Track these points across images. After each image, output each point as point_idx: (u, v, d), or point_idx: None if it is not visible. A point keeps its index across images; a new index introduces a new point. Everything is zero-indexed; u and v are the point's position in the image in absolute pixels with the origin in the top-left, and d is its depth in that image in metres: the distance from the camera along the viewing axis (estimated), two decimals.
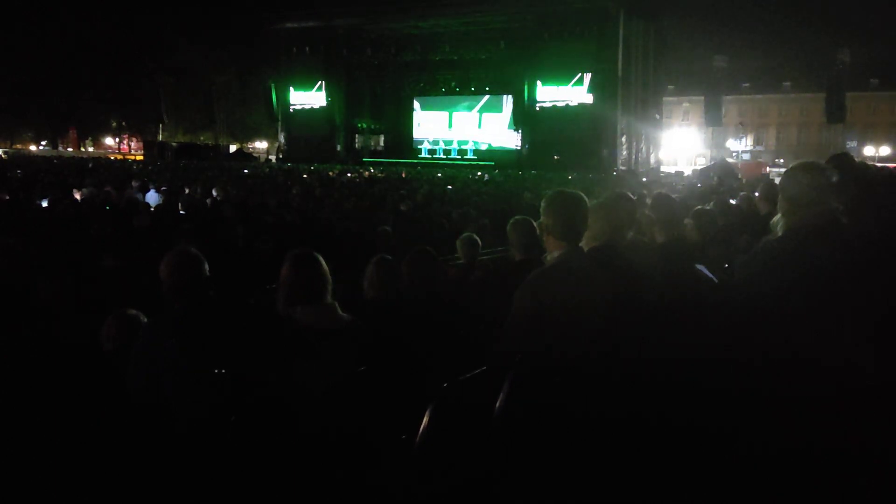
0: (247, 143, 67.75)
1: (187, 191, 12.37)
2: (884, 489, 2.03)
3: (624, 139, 36.94)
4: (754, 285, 2.58)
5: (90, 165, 21.21)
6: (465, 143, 43.53)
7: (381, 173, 24.90)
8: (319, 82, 44.97)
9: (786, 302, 2.34)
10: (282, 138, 48.02)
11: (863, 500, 2.03)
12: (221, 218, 7.84)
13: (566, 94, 37.27)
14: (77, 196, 10.62)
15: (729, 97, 53.49)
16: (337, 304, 3.02)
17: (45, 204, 8.97)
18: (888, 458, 2.02)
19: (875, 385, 2.08)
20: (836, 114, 35.27)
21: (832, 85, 35.46)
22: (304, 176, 20.38)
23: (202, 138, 60.53)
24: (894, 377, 2.07)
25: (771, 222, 2.75)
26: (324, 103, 45.25)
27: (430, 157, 42.68)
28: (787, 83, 69.40)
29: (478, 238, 5.15)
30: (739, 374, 2.27)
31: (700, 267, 3.36)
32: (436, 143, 44.39)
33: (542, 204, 2.73)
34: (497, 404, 2.29)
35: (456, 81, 44.28)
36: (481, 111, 43.94)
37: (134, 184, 13.23)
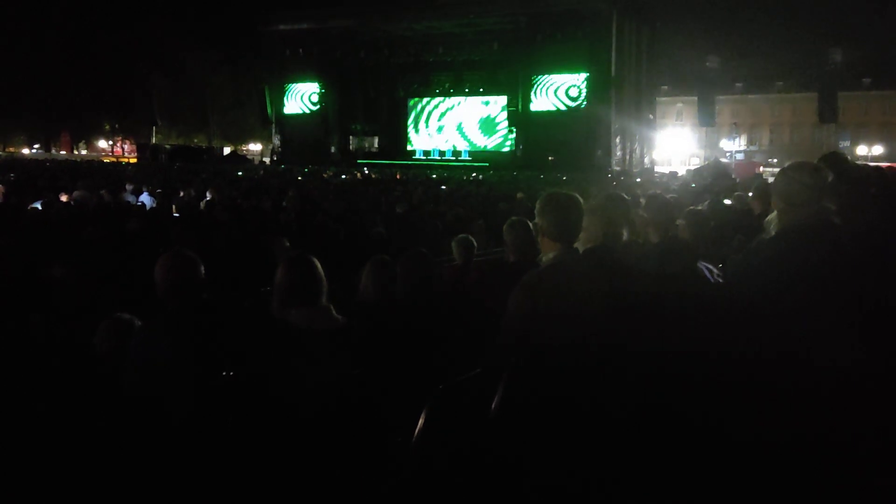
0: (241, 145, 67.64)
1: (181, 193, 12.34)
2: (877, 481, 2.04)
3: (618, 140, 37.01)
4: (748, 284, 2.59)
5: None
6: (460, 143, 43.58)
7: (376, 174, 24.90)
8: (313, 84, 44.97)
9: (778, 300, 2.35)
10: (276, 140, 47.93)
11: (855, 492, 2.04)
12: (215, 220, 7.83)
13: (560, 97, 37.41)
14: (66, 199, 10.55)
15: (722, 97, 53.69)
16: (332, 307, 3.01)
17: (38, 207, 8.93)
18: (881, 451, 2.03)
19: (866, 380, 2.09)
20: (828, 114, 35.42)
21: (824, 85, 35.60)
22: (300, 178, 20.36)
23: (196, 140, 60.42)
24: (885, 372, 2.08)
25: (765, 221, 2.76)
26: (318, 105, 45.23)
27: (424, 158, 42.66)
28: (780, 83, 69.68)
29: (473, 239, 5.15)
30: (734, 372, 2.27)
31: (702, 265, 3.36)
32: (430, 144, 44.48)
33: (537, 205, 2.74)
34: (493, 406, 2.29)
35: (450, 83, 44.28)
36: (475, 112, 44.00)
37: (128, 187, 13.18)
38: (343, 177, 22.24)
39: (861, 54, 54.30)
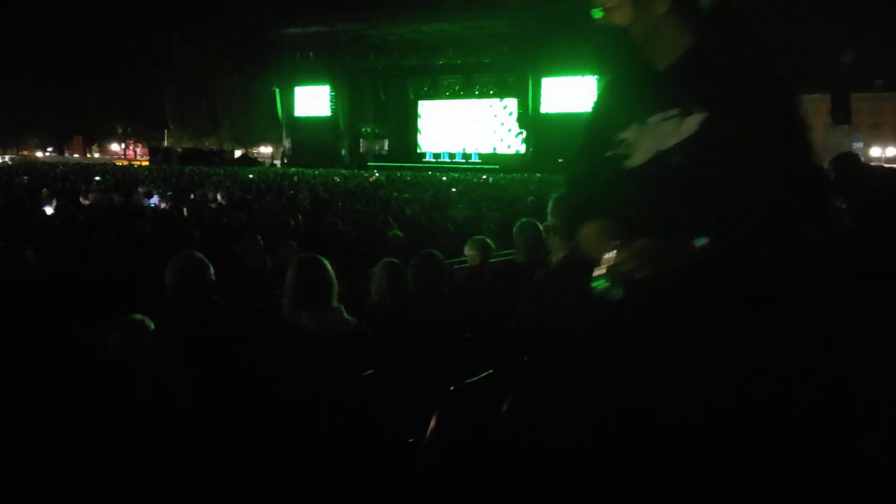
0: (252, 148, 67.90)
1: (193, 196, 12.41)
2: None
3: None
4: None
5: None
6: (470, 146, 43.59)
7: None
8: (324, 87, 45.12)
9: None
10: (286, 143, 48.13)
11: None
12: (225, 223, 7.86)
13: (570, 100, 37.36)
14: (84, 202, 10.66)
15: None
16: (343, 308, 3.01)
17: (49, 211, 9.00)
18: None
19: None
20: (841, 115, 35.18)
21: (837, 86, 35.37)
22: (311, 181, 20.42)
23: (207, 144, 60.74)
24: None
25: None
26: (328, 108, 45.38)
27: (434, 160, 42.70)
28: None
29: (489, 240, 5.10)
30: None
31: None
32: (440, 146, 44.52)
33: (549, 205, 2.74)
34: (504, 407, 2.28)
35: (460, 85, 44.38)
36: (485, 114, 44.01)
37: (140, 190, 13.27)
38: (357, 181, 22.26)
39: (874, 55, 53.84)
